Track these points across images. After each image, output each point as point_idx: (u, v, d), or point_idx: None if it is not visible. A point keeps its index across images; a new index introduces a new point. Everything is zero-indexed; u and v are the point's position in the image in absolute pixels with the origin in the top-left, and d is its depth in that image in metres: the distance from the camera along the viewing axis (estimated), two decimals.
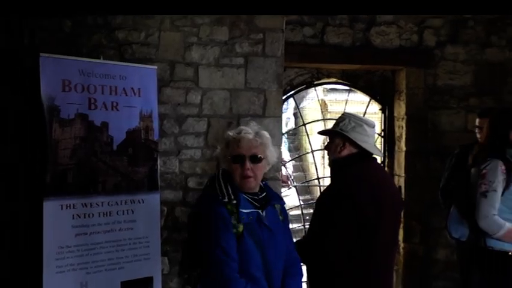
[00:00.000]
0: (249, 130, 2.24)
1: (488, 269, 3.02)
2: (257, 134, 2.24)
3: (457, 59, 4.64)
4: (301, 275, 2.38)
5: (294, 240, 2.47)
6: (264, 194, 2.29)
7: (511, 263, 2.95)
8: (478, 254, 3.06)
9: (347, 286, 2.39)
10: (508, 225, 2.89)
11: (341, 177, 2.50)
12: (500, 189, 2.91)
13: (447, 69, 4.64)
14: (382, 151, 4.94)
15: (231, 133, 2.25)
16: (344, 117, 2.57)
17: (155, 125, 3.49)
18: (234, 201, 2.14)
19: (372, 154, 2.55)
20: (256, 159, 2.21)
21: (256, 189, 2.27)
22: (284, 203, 2.45)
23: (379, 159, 4.97)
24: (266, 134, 2.29)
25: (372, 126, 2.54)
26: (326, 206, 2.45)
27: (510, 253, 2.93)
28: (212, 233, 2.09)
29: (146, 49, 3.79)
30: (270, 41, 3.78)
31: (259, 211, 2.20)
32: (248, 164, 2.19)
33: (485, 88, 4.64)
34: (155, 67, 3.55)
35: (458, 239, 3.27)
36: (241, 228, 2.11)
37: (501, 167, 2.92)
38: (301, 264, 2.40)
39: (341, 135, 2.53)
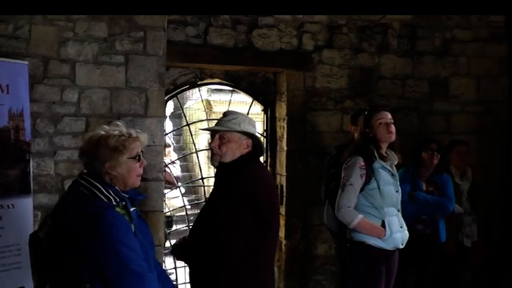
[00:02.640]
0: (125, 128, 2.14)
1: (352, 258, 3.25)
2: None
3: (333, 63, 4.88)
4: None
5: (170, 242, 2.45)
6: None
7: (368, 252, 3.16)
8: (345, 245, 3.28)
9: (241, 283, 2.40)
10: (360, 216, 3.11)
11: (240, 177, 2.45)
12: (357, 184, 3.13)
13: (324, 73, 4.87)
14: (265, 151, 5.07)
15: (122, 134, 2.10)
16: (236, 115, 2.57)
17: (27, 124, 3.25)
18: (123, 203, 2.06)
19: (262, 152, 2.60)
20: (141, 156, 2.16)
21: None
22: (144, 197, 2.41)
23: (261, 158, 5.10)
24: None
25: (254, 125, 2.59)
26: (222, 206, 2.41)
27: (365, 243, 3.16)
28: (119, 242, 1.94)
29: (15, 43, 3.51)
30: (152, 39, 3.70)
31: (135, 208, 2.16)
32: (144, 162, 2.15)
33: (358, 91, 4.94)
34: (26, 62, 3.31)
35: (333, 232, 3.47)
36: (133, 227, 2.05)
37: (360, 163, 3.15)
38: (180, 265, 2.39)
39: (247, 134, 2.53)
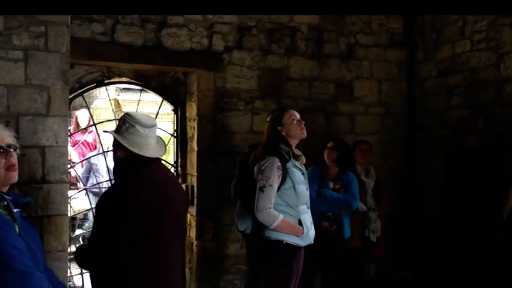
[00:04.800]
0: None
1: (266, 257, 3.29)
2: None
3: (243, 64, 4.93)
4: None
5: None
6: None
7: (284, 250, 3.23)
8: (259, 245, 3.32)
9: (131, 285, 2.36)
10: (281, 217, 3.17)
11: (123, 179, 2.47)
12: (275, 184, 3.18)
13: (235, 73, 4.90)
14: (175, 151, 5.01)
15: None
16: (123, 117, 2.54)
17: None
18: (5, 203, 1.96)
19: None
20: (13, 149, 2.09)
21: None
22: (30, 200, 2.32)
23: (171, 159, 5.03)
24: None
25: (149, 126, 2.49)
26: (107, 208, 2.39)
27: (284, 242, 3.22)
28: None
29: None
30: (54, 34, 3.50)
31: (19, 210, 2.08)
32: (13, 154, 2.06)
33: (268, 92, 5.03)
34: None
35: (243, 232, 3.49)
36: (17, 228, 1.97)
37: (277, 163, 3.20)
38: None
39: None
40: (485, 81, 4.82)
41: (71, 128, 6.52)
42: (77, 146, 6.51)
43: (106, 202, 2.43)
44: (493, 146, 4.38)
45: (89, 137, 6.66)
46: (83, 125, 6.46)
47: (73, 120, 6.41)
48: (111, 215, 2.33)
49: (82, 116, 6.42)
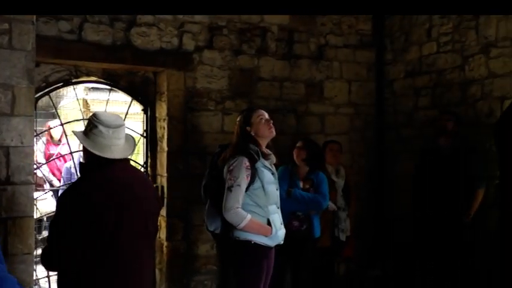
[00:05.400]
0: None
1: (235, 257, 3.30)
2: None
3: (213, 64, 4.91)
4: None
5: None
6: None
7: (253, 251, 3.24)
8: (228, 245, 3.31)
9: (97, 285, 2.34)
10: (249, 217, 3.18)
11: (82, 179, 2.46)
12: (244, 184, 3.19)
13: (205, 73, 4.88)
14: (145, 152, 4.96)
15: None
16: (90, 117, 2.53)
17: None
18: None
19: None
20: None
21: None
22: None
23: (141, 160, 4.99)
24: None
25: (114, 126, 2.46)
26: (59, 207, 2.40)
27: (252, 242, 3.23)
28: None
29: None
30: (18, 32, 3.41)
31: None
32: None
33: (238, 92, 5.03)
34: None
35: (213, 232, 3.48)
36: None
37: (245, 164, 3.21)
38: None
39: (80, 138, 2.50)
40: (451, 82, 4.92)
41: (44, 139, 6.43)
42: (52, 159, 6.38)
43: (59, 202, 2.45)
44: (462, 147, 4.46)
45: (63, 149, 6.52)
46: (56, 136, 6.41)
47: (46, 133, 6.37)
48: (62, 214, 2.34)
49: (54, 127, 6.33)
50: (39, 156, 6.06)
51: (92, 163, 2.44)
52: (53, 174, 6.47)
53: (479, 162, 4.39)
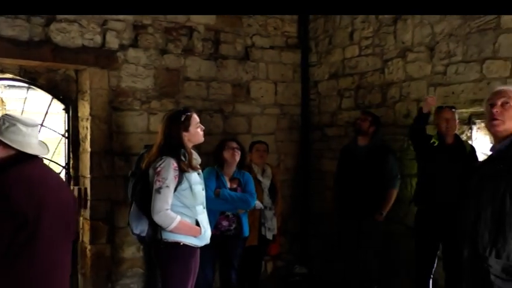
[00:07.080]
0: None
1: (163, 259, 3.26)
2: None
3: (138, 63, 4.82)
4: None
5: None
6: None
7: (182, 252, 3.23)
8: (155, 247, 3.27)
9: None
10: (178, 218, 3.16)
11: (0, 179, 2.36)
12: (172, 186, 3.16)
13: (130, 72, 4.78)
14: (66, 152, 4.78)
15: None
16: (2, 117, 2.46)
17: None
18: None
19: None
20: None
21: None
22: None
23: (63, 161, 4.79)
24: None
25: (31, 125, 2.47)
26: None
27: (181, 243, 3.21)
28: None
29: None
30: None
31: None
32: None
33: (164, 92, 4.96)
34: None
35: (138, 235, 3.41)
36: None
37: (173, 165, 3.18)
38: None
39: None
40: (372, 84, 5.12)
41: None
42: None
43: None
44: (378, 146, 4.65)
45: None
46: None
47: None
48: None
49: None
50: None
51: (9, 159, 2.40)
52: None
53: (393, 162, 4.60)
